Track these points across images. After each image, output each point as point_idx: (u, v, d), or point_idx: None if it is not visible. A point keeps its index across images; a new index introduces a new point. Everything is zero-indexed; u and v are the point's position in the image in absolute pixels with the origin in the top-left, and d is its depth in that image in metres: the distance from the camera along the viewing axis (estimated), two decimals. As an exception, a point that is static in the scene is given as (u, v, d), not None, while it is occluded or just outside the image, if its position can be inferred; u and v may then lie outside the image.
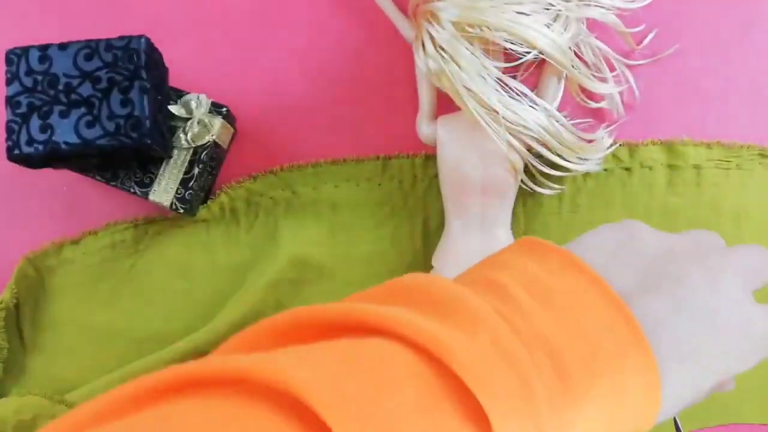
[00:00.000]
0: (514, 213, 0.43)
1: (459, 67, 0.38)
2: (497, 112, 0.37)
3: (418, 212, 0.44)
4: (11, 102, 0.39)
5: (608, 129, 0.42)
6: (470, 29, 0.37)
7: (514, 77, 0.43)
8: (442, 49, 0.38)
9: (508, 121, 0.37)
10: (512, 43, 0.37)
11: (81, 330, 0.45)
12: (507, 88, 0.38)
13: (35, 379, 0.44)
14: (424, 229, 0.44)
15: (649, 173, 0.43)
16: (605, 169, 0.44)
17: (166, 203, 0.42)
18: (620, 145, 0.44)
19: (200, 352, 0.42)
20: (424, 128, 0.42)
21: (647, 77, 0.44)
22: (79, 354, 0.44)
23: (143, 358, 0.43)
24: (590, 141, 0.41)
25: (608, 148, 0.41)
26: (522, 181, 0.41)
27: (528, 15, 0.37)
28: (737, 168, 0.43)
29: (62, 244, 0.45)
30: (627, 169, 0.44)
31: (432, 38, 0.38)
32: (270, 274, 0.43)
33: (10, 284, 0.44)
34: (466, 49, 0.38)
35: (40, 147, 0.38)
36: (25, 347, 0.45)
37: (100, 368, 0.44)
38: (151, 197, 0.42)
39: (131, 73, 0.39)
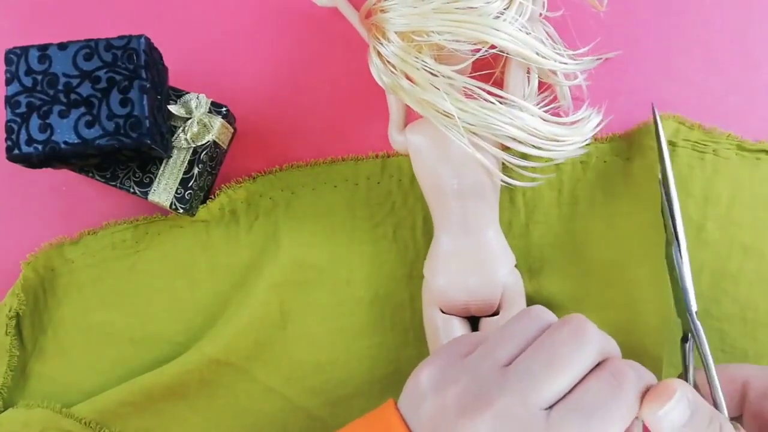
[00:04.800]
0: (515, 207, 0.43)
1: (409, 79, 0.36)
2: (454, 117, 0.36)
3: (418, 210, 0.44)
4: (11, 102, 0.39)
5: (580, 114, 0.40)
6: (416, 37, 0.36)
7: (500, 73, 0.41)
8: (390, 63, 0.37)
9: (468, 123, 0.36)
10: (460, 44, 0.35)
11: (81, 331, 0.44)
12: (467, 90, 0.37)
13: (37, 383, 0.44)
14: (424, 226, 0.44)
15: (651, 161, 0.43)
16: (605, 161, 0.43)
17: (166, 203, 0.42)
18: (619, 137, 0.43)
19: (210, 360, 0.42)
20: (396, 137, 0.41)
21: (645, 73, 0.44)
22: (80, 355, 0.44)
23: (152, 368, 0.43)
24: (573, 123, 0.39)
25: (591, 130, 0.39)
26: (502, 179, 0.40)
27: (475, 8, 0.35)
28: (713, 153, 0.43)
29: (62, 245, 0.45)
30: (627, 159, 0.43)
31: (379, 53, 0.37)
32: (272, 275, 0.43)
33: (17, 292, 0.44)
34: (415, 59, 0.36)
35: (40, 147, 0.38)
36: (26, 350, 0.45)
37: (101, 369, 0.44)
38: (151, 197, 0.42)
39: (131, 72, 0.39)
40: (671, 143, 0.43)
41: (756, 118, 0.44)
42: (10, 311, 0.43)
